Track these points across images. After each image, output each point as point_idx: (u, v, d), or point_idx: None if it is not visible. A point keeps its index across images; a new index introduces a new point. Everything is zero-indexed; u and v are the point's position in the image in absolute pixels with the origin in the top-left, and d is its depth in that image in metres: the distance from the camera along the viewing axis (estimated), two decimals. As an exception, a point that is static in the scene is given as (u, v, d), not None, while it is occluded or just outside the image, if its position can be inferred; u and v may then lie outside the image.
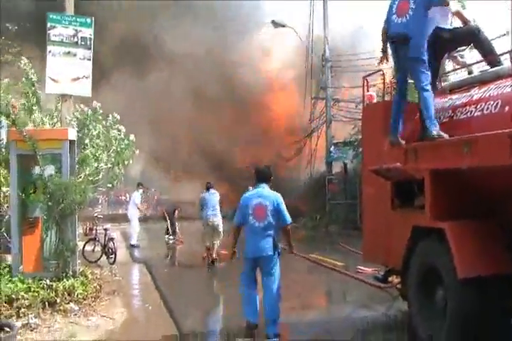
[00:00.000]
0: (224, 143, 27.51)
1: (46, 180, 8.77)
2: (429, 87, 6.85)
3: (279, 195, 7.67)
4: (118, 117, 10.38)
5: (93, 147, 9.82)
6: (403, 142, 7.09)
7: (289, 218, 7.55)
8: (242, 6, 26.79)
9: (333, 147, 24.69)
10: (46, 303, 8.08)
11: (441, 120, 6.80)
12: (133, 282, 12.30)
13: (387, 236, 7.43)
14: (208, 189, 13.89)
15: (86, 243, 14.07)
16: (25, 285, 8.18)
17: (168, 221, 19.70)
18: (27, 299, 7.92)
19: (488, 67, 7.02)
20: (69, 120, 9.62)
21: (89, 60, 9.81)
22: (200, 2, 25.86)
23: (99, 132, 9.96)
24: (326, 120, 25.12)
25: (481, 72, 7.25)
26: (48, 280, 8.40)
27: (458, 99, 6.82)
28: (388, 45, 7.26)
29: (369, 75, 8.83)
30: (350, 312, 9.08)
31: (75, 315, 8.17)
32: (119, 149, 10.07)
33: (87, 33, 9.81)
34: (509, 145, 5.15)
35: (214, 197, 13.77)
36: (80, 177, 9.49)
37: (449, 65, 8.91)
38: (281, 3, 25.68)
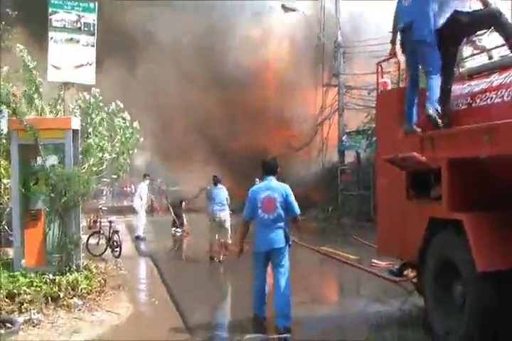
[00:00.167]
0: (229, 132, 27.45)
1: (48, 171, 8.76)
2: (436, 71, 6.82)
3: (287, 186, 7.78)
4: (121, 105, 10.36)
5: (96, 136, 9.79)
6: (419, 130, 7.04)
7: (298, 209, 7.69)
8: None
9: (345, 136, 24.64)
10: (49, 298, 8.07)
11: (460, 107, 6.73)
12: (139, 276, 12.33)
13: (403, 228, 7.39)
14: (215, 183, 13.78)
15: (90, 236, 14.12)
16: (27, 280, 8.18)
17: (173, 214, 19.73)
18: (29, 294, 7.91)
19: (509, 52, 6.93)
20: (72, 108, 9.59)
21: (93, 46, 9.75)
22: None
23: (101, 119, 9.93)
24: (338, 108, 25.05)
25: (501, 56, 7.17)
26: (50, 275, 8.38)
27: (477, 85, 6.74)
28: (399, 35, 7.27)
29: (383, 61, 8.77)
30: (363, 306, 9.10)
31: (79, 310, 8.17)
32: (123, 139, 10.05)
33: (91, 18, 9.74)
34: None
35: (221, 191, 13.65)
36: (84, 167, 9.48)
37: (467, 50, 8.80)
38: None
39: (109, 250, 13.87)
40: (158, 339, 7.29)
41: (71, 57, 9.61)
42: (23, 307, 7.77)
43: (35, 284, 8.13)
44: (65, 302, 8.15)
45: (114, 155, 10.11)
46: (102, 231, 14.51)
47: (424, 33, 6.85)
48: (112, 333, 7.54)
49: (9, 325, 7.08)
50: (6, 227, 9.82)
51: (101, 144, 9.88)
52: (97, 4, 9.85)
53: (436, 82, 6.83)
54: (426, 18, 6.85)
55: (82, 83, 9.99)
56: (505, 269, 5.61)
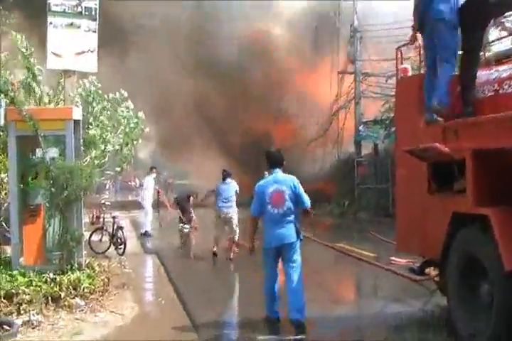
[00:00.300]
0: (236, 123, 27.42)
1: (49, 164, 8.75)
2: (450, 58, 6.80)
3: (294, 177, 7.85)
4: (125, 94, 10.33)
5: (97, 126, 9.77)
6: (441, 119, 6.95)
7: (308, 201, 7.74)
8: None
9: (362, 126, 24.57)
10: (49, 298, 8.05)
11: (486, 94, 6.64)
12: (144, 274, 12.33)
13: (424, 224, 7.35)
14: (224, 178, 13.61)
15: (92, 232, 14.12)
16: (26, 279, 8.17)
17: (180, 209, 19.73)
18: (28, 294, 7.89)
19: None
20: (72, 97, 9.55)
21: (95, 32, 9.67)
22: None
23: (103, 108, 9.91)
24: (355, 96, 24.95)
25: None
26: (51, 274, 8.36)
27: (505, 70, 6.65)
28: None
29: (403, 46, 8.68)
30: (382, 307, 9.06)
31: (81, 310, 8.16)
32: (127, 129, 10.02)
33: (92, 2, 9.65)
34: None
35: (229, 187, 13.48)
36: (86, 160, 9.46)
37: (494, 32, 8.71)
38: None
39: (112, 247, 13.88)
40: (164, 339, 7.26)
41: (72, 44, 9.54)
42: (21, 308, 7.75)
43: (34, 284, 8.11)
44: (66, 303, 8.14)
45: (117, 147, 10.09)
46: (105, 228, 14.51)
47: (443, 10, 6.75)
48: (116, 335, 7.52)
49: (7, 327, 7.06)
50: (4, 224, 9.80)
51: (104, 136, 9.86)
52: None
53: (448, 70, 6.80)
54: None
55: (84, 71, 9.95)
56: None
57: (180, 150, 31.09)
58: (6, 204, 9.76)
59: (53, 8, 9.50)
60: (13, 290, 7.89)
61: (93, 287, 8.59)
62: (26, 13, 19.25)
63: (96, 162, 9.59)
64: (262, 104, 26.75)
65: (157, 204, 19.21)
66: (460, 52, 7.09)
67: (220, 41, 26.01)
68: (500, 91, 6.44)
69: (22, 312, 7.71)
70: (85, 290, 8.43)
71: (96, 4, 9.69)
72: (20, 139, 8.89)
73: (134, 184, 56.83)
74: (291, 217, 7.62)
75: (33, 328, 7.44)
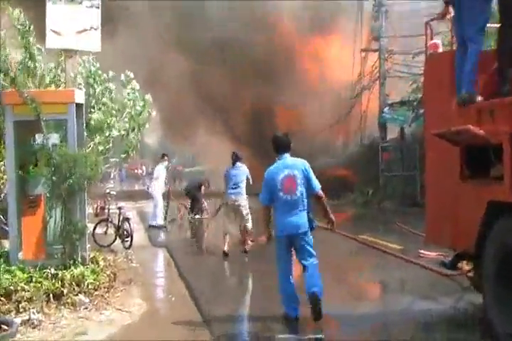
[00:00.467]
0: (252, 105, 27.36)
1: (51, 151, 8.73)
2: (477, 36, 6.74)
3: (305, 161, 7.98)
4: (132, 75, 10.30)
5: (100, 109, 9.75)
6: (477, 99, 6.86)
7: (318, 184, 7.85)
8: None
9: (387, 108, 24.44)
10: (51, 296, 8.08)
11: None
12: (153, 269, 12.37)
13: (456, 214, 7.27)
14: (234, 162, 13.36)
15: (97, 224, 14.19)
16: (25, 275, 8.19)
17: (191, 199, 19.78)
18: (28, 291, 7.92)
19: None
20: (73, 78, 9.51)
21: (98, 8, 9.62)
22: None
23: (105, 88, 9.89)
24: (379, 76, 24.78)
25: None
26: (52, 269, 8.38)
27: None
28: None
29: (432, 20, 8.56)
30: (409, 304, 8.99)
31: (85, 308, 8.18)
32: (133, 112, 9.99)
33: (94, -25, 9.63)
34: None
35: (240, 171, 13.18)
36: (89, 146, 9.45)
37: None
38: None
39: (118, 240, 13.94)
40: (175, 339, 7.26)
41: (73, 21, 9.48)
42: (21, 306, 7.77)
43: (34, 280, 8.13)
44: (69, 300, 8.15)
45: (123, 132, 10.07)
46: (110, 219, 14.57)
47: None
48: (123, 334, 7.53)
49: (5, 327, 7.06)
50: (1, 216, 9.82)
51: (108, 120, 9.83)
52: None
53: (475, 52, 6.69)
54: None
55: (87, 50, 9.92)
56: None
57: (187, 135, 31.16)
58: (3, 195, 9.78)
59: (52, -18, 9.46)
60: (11, 287, 7.92)
61: (98, 283, 8.61)
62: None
63: (100, 148, 9.58)
64: (277, 86, 26.65)
65: (167, 195, 19.19)
66: (497, 25, 6.97)
67: (223, 14, 25.93)
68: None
69: (21, 310, 7.73)
70: (89, 287, 8.44)
71: (98, -23, 9.64)
72: (17, 124, 8.87)
73: (141, 172, 57.37)
74: (304, 204, 7.74)
75: (33, 328, 7.45)
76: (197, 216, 20.15)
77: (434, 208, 7.99)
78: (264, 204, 7.98)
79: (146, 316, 8.35)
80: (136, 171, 58.80)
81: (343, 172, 26.22)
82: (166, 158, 18.72)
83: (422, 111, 18.49)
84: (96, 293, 8.51)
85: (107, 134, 9.88)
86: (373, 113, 25.66)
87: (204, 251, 14.87)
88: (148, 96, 10.34)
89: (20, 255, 8.79)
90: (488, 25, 7.04)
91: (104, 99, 10.00)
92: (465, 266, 8.09)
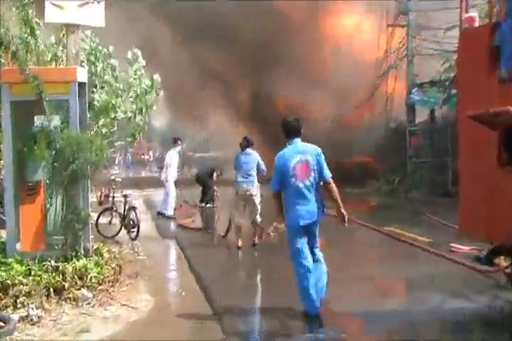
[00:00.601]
0: (265, 86, 27.28)
1: (53, 134, 8.70)
2: None
3: (315, 146, 8.17)
4: (139, 53, 10.26)
5: (102, 88, 9.71)
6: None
7: (329, 172, 8.02)
8: None
9: (416, 89, 24.31)
10: (51, 290, 8.10)
11: None
12: (161, 262, 12.36)
13: (493, 203, 7.26)
14: (243, 147, 13.23)
15: (100, 213, 14.23)
16: (23, 268, 8.21)
17: (201, 187, 19.80)
18: (26, 285, 7.93)
19: None
20: (75, 54, 9.47)
21: (101, -21, 9.62)
22: None
23: (107, 65, 9.85)
24: (407, 54, 24.61)
25: None
26: (52, 261, 8.41)
27: None
28: None
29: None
30: (439, 301, 8.92)
31: (88, 304, 8.19)
32: (139, 91, 9.96)
33: None
34: None
35: (250, 158, 13.04)
36: (93, 129, 9.43)
37: None
38: None
39: (124, 231, 13.96)
40: (185, 339, 7.29)
41: (74, -6, 9.48)
42: (18, 301, 7.79)
43: (33, 273, 8.16)
44: (70, 295, 8.18)
45: (129, 114, 10.05)
46: (115, 208, 14.60)
47: None
48: (129, 332, 7.53)
49: (2, 324, 7.11)
50: (-3, 204, 9.88)
51: (113, 101, 9.81)
52: None
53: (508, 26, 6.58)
54: None
55: (89, 25, 9.89)
56: None
57: (197, 118, 31.19)
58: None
59: (51, -50, 9.41)
60: (8, 281, 7.93)
61: (102, 276, 8.62)
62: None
63: (104, 130, 9.56)
64: (294, 66, 26.52)
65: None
66: None
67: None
68: None
69: (19, 306, 7.75)
70: (93, 280, 8.46)
71: None
72: (15, 105, 8.84)
73: (148, 157, 57.51)
74: (316, 191, 7.95)
75: (32, 324, 7.46)
76: (208, 205, 20.18)
77: (469, 197, 7.96)
78: (274, 189, 8.11)
79: (154, 312, 8.35)
80: (142, 156, 58.98)
81: (367, 158, 26.17)
82: (179, 142, 18.55)
83: (454, 91, 18.38)
84: (100, 287, 8.52)
85: (112, 116, 9.85)
86: (400, 94, 25.54)
87: (216, 242, 14.86)
88: (156, 76, 10.31)
89: (18, 246, 8.82)
90: None
91: (107, 77, 9.96)
92: (502, 261, 8.07)
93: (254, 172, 13.01)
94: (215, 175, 20.24)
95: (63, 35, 9.79)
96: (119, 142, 10.58)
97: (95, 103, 9.84)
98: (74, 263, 8.48)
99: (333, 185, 8.00)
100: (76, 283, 8.32)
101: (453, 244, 11.63)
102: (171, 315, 8.36)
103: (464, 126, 8.01)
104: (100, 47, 10.17)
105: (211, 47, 27.23)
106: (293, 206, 7.90)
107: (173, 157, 18.37)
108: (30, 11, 9.41)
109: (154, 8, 26.61)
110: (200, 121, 32.29)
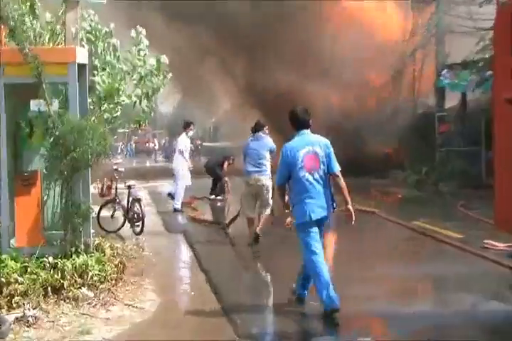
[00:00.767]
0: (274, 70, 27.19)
1: (53, 119, 8.69)
2: None
3: (324, 138, 8.38)
4: (144, 32, 10.25)
5: (104, 69, 9.69)
6: None
7: (338, 165, 8.18)
8: None
9: (446, 70, 24.13)
10: (49, 289, 8.13)
11: None
12: (168, 259, 12.37)
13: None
14: (254, 131, 12.88)
15: (102, 206, 14.25)
16: (19, 265, 8.24)
17: (211, 177, 19.82)
18: (22, 283, 7.96)
19: None
20: (74, 33, 9.46)
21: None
22: None
23: (108, 44, 9.85)
24: (437, 32, 24.44)
25: None
26: (50, 258, 8.44)
27: None
28: None
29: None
30: (473, 303, 8.94)
31: (89, 304, 8.22)
32: (143, 73, 9.94)
33: None
34: None
35: (262, 144, 12.70)
36: (94, 115, 9.43)
37: None
38: None
39: (127, 225, 13.98)
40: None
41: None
42: (14, 300, 7.81)
43: (29, 270, 8.19)
44: (70, 294, 8.19)
45: (134, 99, 10.04)
46: (118, 200, 14.61)
47: None
48: (133, 334, 7.54)
49: (-4, 325, 7.16)
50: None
51: (116, 84, 9.79)
52: None
53: None
54: None
55: (90, 1, 9.87)
56: None
57: (205, 104, 31.23)
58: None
59: None
60: (2, 279, 7.97)
61: (104, 274, 8.65)
62: None
63: (106, 115, 9.55)
64: (305, 41, 26.38)
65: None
66: None
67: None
68: None
69: (15, 305, 7.77)
70: (94, 279, 8.48)
71: None
72: (8, 88, 8.83)
73: (153, 146, 57.59)
74: (326, 184, 8.10)
75: (28, 326, 7.47)
76: (218, 197, 20.19)
77: (506, 189, 7.87)
78: (279, 183, 8.39)
79: (160, 313, 8.36)
80: (147, 145, 58.91)
81: (392, 146, 26.06)
82: (191, 127, 18.29)
83: (489, 73, 18.25)
84: (102, 286, 8.54)
85: (115, 101, 9.83)
86: (428, 76, 25.39)
87: (228, 237, 14.85)
88: (163, 58, 10.28)
89: (13, 242, 8.87)
90: None
91: (109, 58, 9.94)
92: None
93: (266, 161, 12.68)
94: (225, 164, 20.24)
95: (62, 12, 9.76)
96: (123, 129, 10.57)
97: (97, 86, 9.83)
98: (73, 259, 8.50)
99: (342, 179, 8.15)
100: (76, 281, 8.33)
101: (487, 241, 11.60)
102: (178, 316, 8.37)
103: (500, 110, 7.92)
104: (100, 26, 10.13)
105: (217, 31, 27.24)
106: (302, 200, 8.03)
107: (183, 142, 18.06)
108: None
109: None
110: (209, 108, 32.31)
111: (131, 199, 14.28)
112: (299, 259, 8.41)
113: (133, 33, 10.28)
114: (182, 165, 17.97)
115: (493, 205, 8.20)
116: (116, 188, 15.47)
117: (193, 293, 9.40)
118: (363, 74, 26.33)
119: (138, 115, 10.27)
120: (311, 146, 8.07)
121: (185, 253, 12.63)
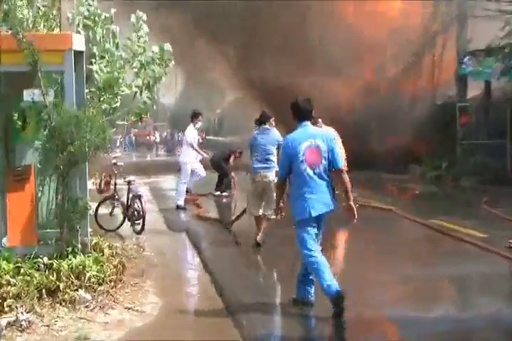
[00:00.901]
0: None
1: (50, 110, 8.68)
2: None
3: (328, 131, 8.59)
4: (144, 17, 10.25)
5: (102, 58, 9.70)
6: None
7: (342, 160, 8.36)
8: None
9: (468, 57, 24.06)
10: (43, 291, 8.13)
11: None
12: (170, 259, 12.38)
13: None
14: (259, 123, 12.67)
15: (100, 203, 14.26)
16: (11, 266, 8.25)
17: (217, 172, 19.83)
18: (15, 285, 7.96)
19: None
20: (71, 18, 9.47)
21: None
22: None
23: (107, 30, 9.86)
24: (459, 15, 24.37)
25: None
26: (45, 258, 8.46)
27: None
28: None
29: None
30: (497, 307, 8.87)
31: (87, 307, 8.21)
32: (144, 61, 9.94)
33: None
34: None
35: (269, 138, 12.44)
36: (92, 106, 9.43)
37: None
38: None
39: (127, 223, 14.01)
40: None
41: None
42: (6, 303, 7.79)
43: (23, 271, 8.20)
44: (66, 297, 8.19)
45: (135, 89, 10.04)
46: (117, 197, 14.63)
47: None
48: (133, 339, 7.54)
49: (-14, 330, 7.19)
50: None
51: (116, 74, 9.80)
52: None
53: None
54: None
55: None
56: None
57: (210, 96, 31.27)
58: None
59: None
60: (-6, 281, 8.00)
61: (102, 275, 8.65)
62: None
63: (104, 106, 9.55)
64: (317, 26, 26.36)
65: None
66: None
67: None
68: None
69: (7, 309, 7.75)
70: (92, 280, 8.48)
71: None
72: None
73: (154, 139, 57.63)
74: (328, 179, 8.22)
75: (21, 331, 7.46)
76: (224, 193, 20.19)
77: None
78: (281, 176, 8.59)
79: (162, 317, 8.36)
80: (148, 138, 58.81)
81: (410, 140, 25.99)
82: (200, 117, 18.23)
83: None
84: (100, 288, 8.54)
85: (115, 91, 9.83)
86: (449, 63, 25.31)
87: (234, 236, 14.85)
88: (167, 46, 10.26)
89: (5, 241, 8.88)
90: None
91: (108, 45, 9.93)
92: None
93: (273, 156, 12.42)
94: (231, 158, 20.24)
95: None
96: (123, 122, 10.57)
97: (95, 75, 9.82)
98: (70, 260, 8.51)
99: (345, 175, 8.28)
100: (72, 283, 8.34)
101: (512, 241, 11.54)
102: (181, 320, 8.39)
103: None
104: (99, 11, 10.12)
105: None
106: (302, 195, 8.17)
107: (191, 134, 18.03)
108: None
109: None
110: (214, 100, 32.36)
111: (131, 195, 14.28)
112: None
113: (133, 19, 10.26)
114: (190, 158, 18.00)
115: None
116: (115, 184, 15.43)
117: (198, 296, 9.46)
118: (378, 62, 26.32)
119: (138, 107, 10.22)
120: (313, 139, 8.21)
121: (188, 253, 12.66)
